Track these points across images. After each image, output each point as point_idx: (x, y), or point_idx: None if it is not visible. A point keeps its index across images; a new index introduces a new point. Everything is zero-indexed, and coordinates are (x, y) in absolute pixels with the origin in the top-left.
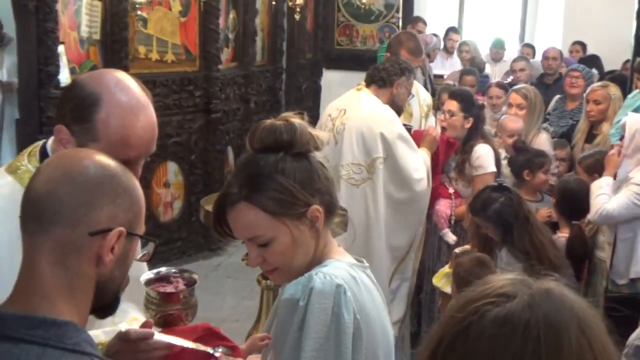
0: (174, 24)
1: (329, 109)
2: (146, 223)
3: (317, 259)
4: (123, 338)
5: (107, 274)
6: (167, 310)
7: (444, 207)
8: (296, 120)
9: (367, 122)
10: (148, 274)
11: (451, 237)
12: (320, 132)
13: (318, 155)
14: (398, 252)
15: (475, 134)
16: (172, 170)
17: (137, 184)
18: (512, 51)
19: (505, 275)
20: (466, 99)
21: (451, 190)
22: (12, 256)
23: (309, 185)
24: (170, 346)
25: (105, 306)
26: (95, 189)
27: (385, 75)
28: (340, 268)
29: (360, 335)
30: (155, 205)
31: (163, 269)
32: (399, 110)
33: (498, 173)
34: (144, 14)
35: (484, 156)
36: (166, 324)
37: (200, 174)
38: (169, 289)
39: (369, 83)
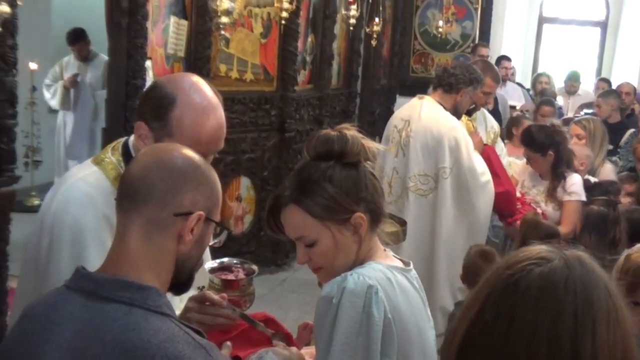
0: (255, 44)
1: (394, 119)
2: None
3: (360, 262)
4: (197, 298)
5: (186, 253)
6: (228, 296)
7: None
8: (349, 132)
9: (430, 132)
10: (212, 263)
11: None
12: (372, 144)
13: (387, 167)
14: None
15: (561, 161)
16: (244, 185)
17: (216, 177)
18: (587, 85)
19: (540, 246)
20: (532, 140)
21: (539, 211)
22: (97, 233)
23: (354, 194)
24: (232, 319)
25: (181, 283)
26: (182, 176)
27: (454, 81)
28: (377, 270)
29: (392, 333)
30: (226, 218)
31: (225, 259)
32: (458, 117)
33: None
34: (227, 34)
35: (578, 184)
36: None
37: (271, 190)
38: (230, 277)
39: (435, 86)
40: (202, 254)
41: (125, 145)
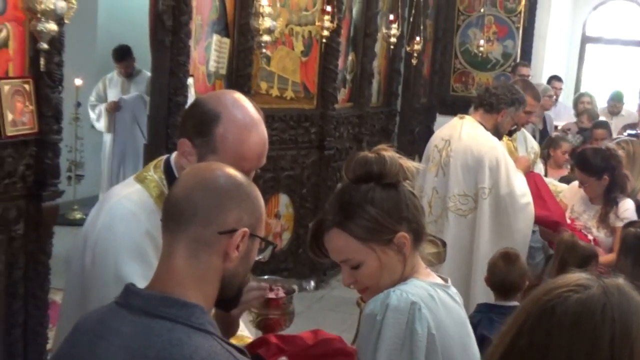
0: (295, 63)
1: (435, 139)
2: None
3: (403, 279)
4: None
5: (232, 269)
6: (268, 314)
7: None
8: (387, 152)
9: (471, 152)
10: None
11: None
12: (410, 163)
13: (427, 186)
14: None
15: (615, 186)
16: (283, 202)
17: (258, 192)
18: (630, 105)
19: (580, 273)
20: (587, 163)
21: (590, 237)
22: (140, 251)
23: (396, 214)
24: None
25: (229, 299)
26: (224, 194)
27: (495, 101)
28: (419, 287)
29: (435, 350)
30: (265, 235)
31: (266, 278)
32: (499, 137)
33: None
34: (268, 52)
35: (631, 210)
36: (266, 327)
37: (310, 208)
38: (271, 295)
39: (477, 106)
40: (249, 269)
41: (167, 163)
